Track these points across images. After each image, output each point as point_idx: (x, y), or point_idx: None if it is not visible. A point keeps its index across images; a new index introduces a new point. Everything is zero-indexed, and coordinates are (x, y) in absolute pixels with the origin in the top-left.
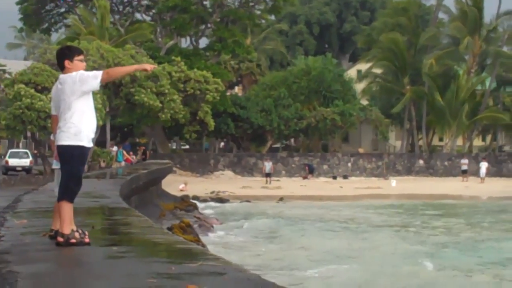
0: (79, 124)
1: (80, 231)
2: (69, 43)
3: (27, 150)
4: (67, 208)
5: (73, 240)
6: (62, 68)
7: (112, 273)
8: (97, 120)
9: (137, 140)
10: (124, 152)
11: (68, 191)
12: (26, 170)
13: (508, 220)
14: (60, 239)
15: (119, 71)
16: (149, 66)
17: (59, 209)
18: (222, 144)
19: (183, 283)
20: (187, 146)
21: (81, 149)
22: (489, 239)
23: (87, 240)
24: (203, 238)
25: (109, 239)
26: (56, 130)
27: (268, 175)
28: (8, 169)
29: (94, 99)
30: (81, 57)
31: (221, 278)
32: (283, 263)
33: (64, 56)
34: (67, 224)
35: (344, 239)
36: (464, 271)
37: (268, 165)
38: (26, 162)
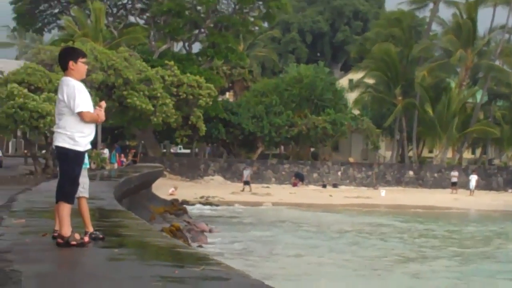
0: (73, 130)
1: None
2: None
3: None
4: (64, 209)
5: (74, 242)
6: (64, 68)
7: (115, 275)
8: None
9: (127, 142)
10: (116, 154)
11: (63, 192)
12: None
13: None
14: (60, 240)
15: (90, 119)
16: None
17: (57, 210)
18: (208, 149)
19: None
20: (189, 150)
21: (75, 152)
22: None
23: (87, 239)
24: (192, 243)
25: (109, 241)
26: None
27: (246, 183)
28: None
29: None
30: (84, 59)
31: (226, 283)
32: (283, 271)
33: (69, 56)
34: (66, 225)
35: (341, 248)
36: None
37: (245, 173)
38: None
